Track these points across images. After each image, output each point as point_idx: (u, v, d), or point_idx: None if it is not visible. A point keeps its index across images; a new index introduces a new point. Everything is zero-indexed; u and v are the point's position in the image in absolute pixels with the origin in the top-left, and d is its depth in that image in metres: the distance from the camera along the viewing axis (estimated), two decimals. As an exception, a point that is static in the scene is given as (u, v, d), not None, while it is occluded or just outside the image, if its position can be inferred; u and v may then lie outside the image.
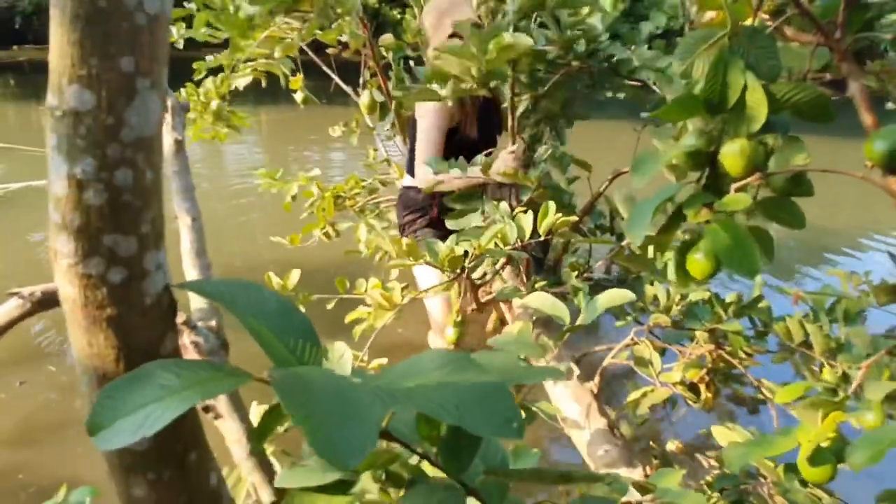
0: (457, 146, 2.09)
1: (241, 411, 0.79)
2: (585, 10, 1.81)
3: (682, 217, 0.82)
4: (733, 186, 0.79)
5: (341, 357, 0.67)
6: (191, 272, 0.99)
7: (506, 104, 1.86)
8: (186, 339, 0.72)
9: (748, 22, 0.80)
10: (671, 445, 1.62)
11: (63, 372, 2.38)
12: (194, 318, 0.78)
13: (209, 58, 2.60)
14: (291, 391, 0.34)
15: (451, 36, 1.99)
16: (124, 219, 0.54)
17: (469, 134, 2.14)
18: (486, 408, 0.37)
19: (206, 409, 0.77)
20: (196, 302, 0.89)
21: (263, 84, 2.69)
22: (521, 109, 1.96)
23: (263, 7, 1.95)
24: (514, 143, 1.86)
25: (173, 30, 2.30)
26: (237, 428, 0.77)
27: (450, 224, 1.82)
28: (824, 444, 0.76)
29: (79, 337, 0.56)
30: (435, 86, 1.66)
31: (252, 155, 6.37)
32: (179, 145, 1.16)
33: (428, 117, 2.08)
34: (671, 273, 1.52)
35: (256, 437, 0.42)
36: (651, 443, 1.84)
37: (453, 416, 0.36)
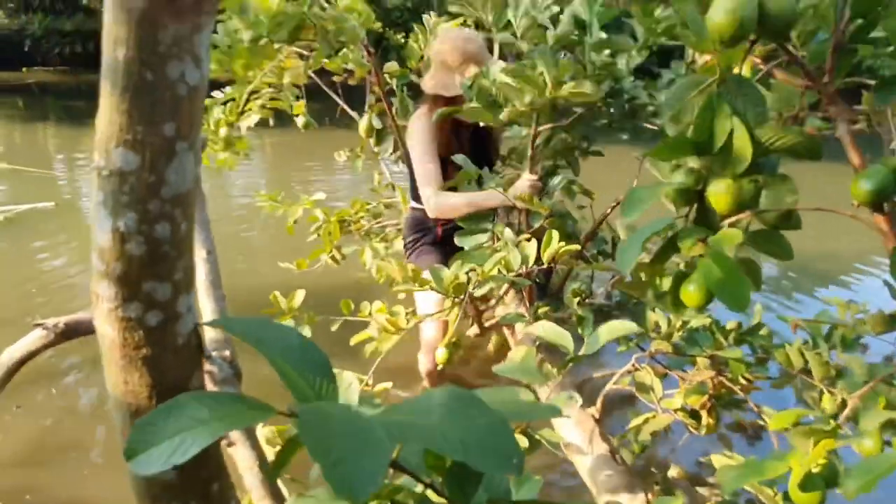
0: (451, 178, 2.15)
1: (252, 439, 0.82)
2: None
3: (674, 247, 0.86)
4: (726, 222, 0.83)
5: (349, 387, 0.70)
6: (206, 304, 1.03)
7: (526, 133, 1.90)
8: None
9: (737, 69, 0.84)
10: (673, 472, 1.64)
11: (62, 395, 2.40)
12: (209, 349, 0.81)
13: (217, 93, 2.67)
14: (312, 428, 0.37)
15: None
16: (161, 267, 0.58)
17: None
18: (489, 445, 0.40)
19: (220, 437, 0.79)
20: (210, 332, 0.92)
21: (271, 123, 2.75)
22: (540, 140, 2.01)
23: (256, 32, 1.98)
24: (531, 170, 1.89)
25: None
26: (249, 455, 0.80)
27: (458, 241, 1.84)
28: (815, 471, 0.79)
29: (115, 375, 0.60)
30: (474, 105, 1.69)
31: (258, 178, 6.44)
32: (196, 181, 1.20)
33: (417, 147, 2.14)
34: (667, 303, 1.54)
35: (274, 467, 0.45)
36: (653, 469, 1.85)
37: (459, 452, 0.39)
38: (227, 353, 0.81)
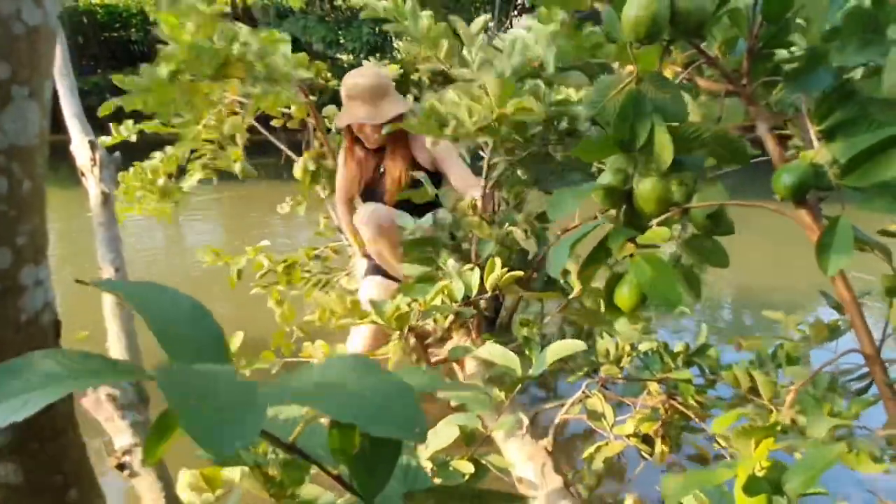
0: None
1: (160, 470, 0.75)
2: (573, 93, 1.89)
3: (606, 251, 0.84)
4: (654, 221, 0.82)
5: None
6: (112, 322, 0.97)
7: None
8: (101, 392, 0.69)
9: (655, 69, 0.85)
10: (629, 501, 1.59)
11: None
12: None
13: (157, 154, 2.62)
14: (176, 382, 0.33)
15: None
16: None
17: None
18: (387, 408, 0.36)
19: (121, 467, 0.73)
20: (116, 353, 0.86)
21: (215, 181, 2.71)
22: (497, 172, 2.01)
23: (170, 65, 1.92)
24: (483, 198, 1.88)
25: (122, 129, 2.31)
26: (155, 485, 0.73)
27: (405, 270, 1.81)
28: (759, 473, 0.76)
29: None
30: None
31: (213, 230, 6.32)
32: (106, 197, 1.15)
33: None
34: (620, 325, 1.51)
35: (149, 445, 0.39)
36: (608, 500, 1.80)
37: (348, 413, 0.35)
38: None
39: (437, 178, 2.30)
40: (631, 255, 0.80)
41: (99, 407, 0.68)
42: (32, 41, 0.53)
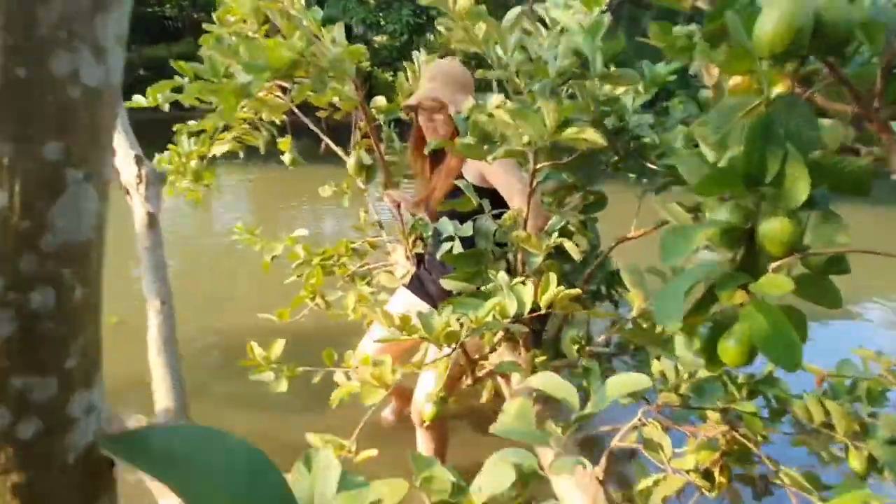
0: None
1: None
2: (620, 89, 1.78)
3: (714, 298, 0.74)
4: (771, 267, 0.71)
5: (326, 469, 0.57)
6: (156, 364, 0.88)
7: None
8: (133, 420, 0.61)
9: (779, 89, 0.74)
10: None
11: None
12: (159, 420, 0.67)
13: (191, 122, 2.56)
14: None
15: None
16: (42, 354, 0.41)
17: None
18: None
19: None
20: (162, 401, 0.77)
21: (241, 155, 2.65)
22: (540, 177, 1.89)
23: (260, 77, 1.89)
24: (528, 208, 1.75)
25: (160, 96, 2.25)
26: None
27: (446, 284, 1.70)
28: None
29: None
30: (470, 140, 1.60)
31: (242, 215, 6.32)
32: (153, 219, 1.06)
33: None
34: (680, 348, 1.39)
35: None
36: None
37: None
38: (182, 424, 0.67)
39: (492, 192, 2.02)
40: (742, 305, 0.70)
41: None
42: (92, 107, 0.40)
